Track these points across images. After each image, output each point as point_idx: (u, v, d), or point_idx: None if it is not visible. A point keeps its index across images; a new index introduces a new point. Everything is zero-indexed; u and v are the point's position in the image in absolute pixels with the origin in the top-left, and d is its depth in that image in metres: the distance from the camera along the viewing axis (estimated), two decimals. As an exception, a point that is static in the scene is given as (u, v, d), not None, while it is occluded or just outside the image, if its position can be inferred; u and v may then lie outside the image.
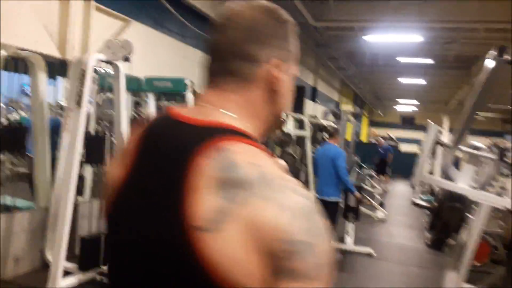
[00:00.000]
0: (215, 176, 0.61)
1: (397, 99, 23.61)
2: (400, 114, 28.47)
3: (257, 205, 0.59)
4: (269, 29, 0.75)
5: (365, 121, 28.93)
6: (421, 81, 15.57)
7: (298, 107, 10.73)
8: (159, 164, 0.69)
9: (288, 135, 6.33)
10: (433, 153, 7.35)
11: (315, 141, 8.46)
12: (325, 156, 5.03)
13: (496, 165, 4.15)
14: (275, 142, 6.00)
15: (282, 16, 0.77)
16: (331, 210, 4.91)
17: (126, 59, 3.41)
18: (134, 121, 4.44)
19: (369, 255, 5.64)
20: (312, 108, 13.12)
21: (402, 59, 12.17)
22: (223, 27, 0.74)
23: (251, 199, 0.59)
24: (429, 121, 2.96)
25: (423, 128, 19.87)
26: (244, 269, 0.58)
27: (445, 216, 4.32)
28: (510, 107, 21.38)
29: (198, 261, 0.59)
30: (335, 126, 8.83)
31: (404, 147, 19.55)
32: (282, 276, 0.58)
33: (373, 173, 12.88)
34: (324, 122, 8.88)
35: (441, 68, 13.72)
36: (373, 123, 30.27)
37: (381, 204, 9.38)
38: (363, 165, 13.81)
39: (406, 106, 25.74)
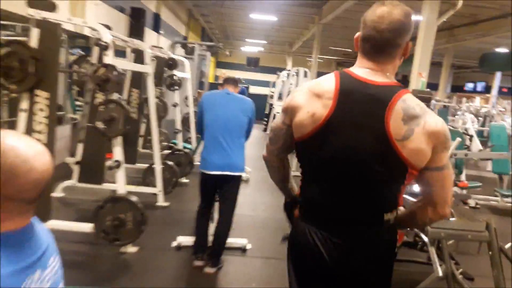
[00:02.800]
0: (402, 113, 1.24)
1: (246, 39, 22.03)
2: (246, 55, 27.27)
3: (427, 122, 1.25)
4: (407, 26, 1.28)
5: (212, 61, 26.99)
6: (273, 18, 14.04)
7: (136, 35, 8.05)
8: (366, 109, 1.26)
9: (112, 69, 3.22)
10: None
11: (160, 82, 6.12)
12: (231, 108, 3.24)
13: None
14: (93, 82, 3.35)
15: (410, 13, 1.28)
16: (236, 189, 3.36)
17: None
18: None
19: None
20: (156, 41, 10.44)
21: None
22: (385, 29, 1.25)
23: (421, 121, 1.24)
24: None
25: (267, 70, 18.80)
26: (422, 154, 1.25)
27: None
28: (350, 50, 21.87)
29: (399, 156, 1.23)
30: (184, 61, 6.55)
31: (253, 90, 18.31)
32: (444, 151, 1.27)
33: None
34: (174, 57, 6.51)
35: (293, 5, 12.26)
36: (219, 64, 28.59)
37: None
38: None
39: (252, 47, 24.50)
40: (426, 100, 6.86)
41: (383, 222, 1.34)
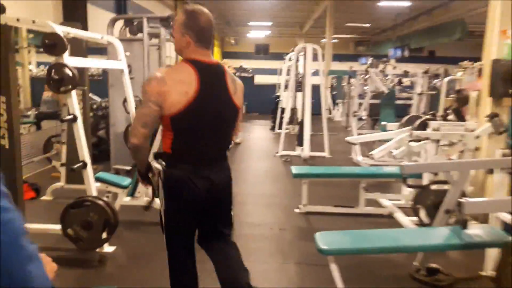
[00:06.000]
0: (230, 78, 1.94)
1: (249, 23, 19.40)
2: (253, 42, 24.76)
3: (240, 83, 2.01)
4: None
5: (217, 52, 24.55)
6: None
7: (71, 15, 5.66)
8: (215, 81, 1.89)
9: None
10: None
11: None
12: None
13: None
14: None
15: None
16: None
17: None
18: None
19: None
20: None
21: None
22: (210, 23, 1.87)
23: (238, 83, 2.00)
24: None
25: (278, 56, 15.95)
26: (241, 101, 2.01)
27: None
28: (368, 25, 18.92)
29: (235, 104, 1.96)
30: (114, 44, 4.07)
31: (260, 79, 15.69)
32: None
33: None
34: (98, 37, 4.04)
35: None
36: (226, 55, 26.16)
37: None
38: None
39: (259, 31, 21.88)
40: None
41: (226, 156, 2.05)
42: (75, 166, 3.09)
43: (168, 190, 1.88)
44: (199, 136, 1.86)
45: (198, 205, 1.91)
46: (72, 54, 4.17)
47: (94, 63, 3.74)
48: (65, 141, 4.51)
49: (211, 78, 1.86)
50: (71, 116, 3.06)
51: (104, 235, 3.05)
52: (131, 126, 1.84)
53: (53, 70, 2.91)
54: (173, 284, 2.01)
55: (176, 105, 1.77)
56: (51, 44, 2.91)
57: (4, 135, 3.04)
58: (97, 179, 3.78)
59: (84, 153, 3.12)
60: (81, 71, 4.32)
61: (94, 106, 6.28)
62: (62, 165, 4.55)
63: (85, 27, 5.73)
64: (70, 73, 2.93)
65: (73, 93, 3.04)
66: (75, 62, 3.11)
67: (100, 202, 3.01)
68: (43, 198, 4.56)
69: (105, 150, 5.70)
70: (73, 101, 3.05)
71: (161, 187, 1.89)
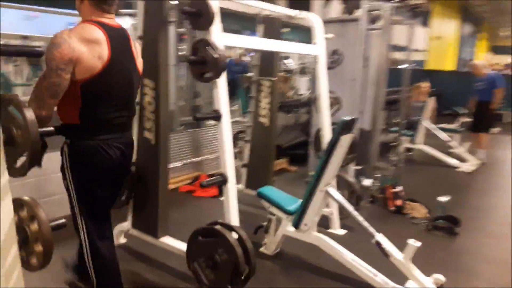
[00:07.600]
0: (133, 42, 1.80)
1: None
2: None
3: (137, 46, 1.87)
4: None
5: (483, 45, 20.57)
6: None
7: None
8: (123, 45, 1.73)
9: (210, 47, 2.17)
10: None
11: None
12: None
13: None
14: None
15: None
16: None
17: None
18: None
19: None
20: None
21: None
22: None
23: (138, 47, 1.88)
24: None
25: None
26: (141, 65, 1.92)
27: None
28: None
29: (139, 70, 1.86)
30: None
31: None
32: None
33: (447, 132, 6.33)
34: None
35: None
36: (496, 49, 21.72)
37: (452, 222, 3.51)
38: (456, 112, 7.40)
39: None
40: None
41: (132, 125, 1.94)
42: (210, 180, 2.33)
43: (77, 166, 1.76)
44: (111, 103, 1.74)
45: (111, 176, 1.85)
46: (266, 35, 3.45)
47: (259, 45, 2.83)
48: (249, 139, 3.91)
49: (119, 41, 1.72)
50: (214, 113, 2.29)
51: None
52: (36, 96, 1.57)
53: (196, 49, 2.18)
54: (95, 271, 1.87)
55: (90, 70, 1.62)
56: (194, 13, 2.17)
57: (151, 128, 2.49)
58: (259, 195, 2.99)
59: (227, 163, 2.32)
60: (270, 58, 3.57)
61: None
62: (243, 166, 3.95)
63: (306, 8, 4.97)
64: (215, 55, 2.13)
65: (220, 82, 2.24)
66: (228, 40, 2.29)
67: (230, 238, 2.13)
68: (221, 198, 4.04)
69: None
70: (219, 93, 2.26)
71: (67, 166, 1.76)
